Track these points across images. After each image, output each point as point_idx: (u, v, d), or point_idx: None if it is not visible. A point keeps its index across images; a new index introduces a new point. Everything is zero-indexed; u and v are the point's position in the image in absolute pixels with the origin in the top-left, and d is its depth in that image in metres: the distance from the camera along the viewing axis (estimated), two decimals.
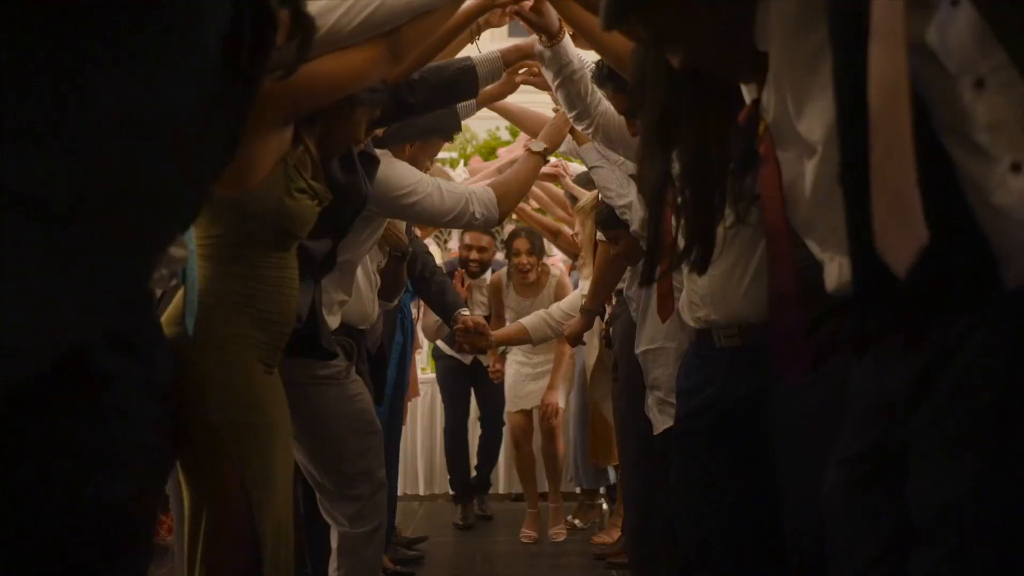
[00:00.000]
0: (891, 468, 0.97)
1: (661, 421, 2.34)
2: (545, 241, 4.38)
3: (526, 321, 3.44)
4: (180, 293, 1.60)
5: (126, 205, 0.91)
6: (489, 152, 6.62)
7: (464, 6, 1.87)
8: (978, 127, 0.80)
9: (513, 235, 4.29)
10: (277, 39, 1.12)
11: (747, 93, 1.32)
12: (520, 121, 3.06)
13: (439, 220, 2.36)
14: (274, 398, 1.68)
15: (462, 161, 4.77)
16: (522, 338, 3.45)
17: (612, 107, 2.15)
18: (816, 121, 1.11)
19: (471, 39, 2.26)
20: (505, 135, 9.98)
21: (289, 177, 1.64)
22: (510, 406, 4.43)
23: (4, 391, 0.84)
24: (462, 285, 4.35)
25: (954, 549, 0.86)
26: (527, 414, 4.40)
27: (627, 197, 2.43)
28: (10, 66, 0.84)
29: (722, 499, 1.66)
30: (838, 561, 1.13)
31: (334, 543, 2.17)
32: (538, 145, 2.50)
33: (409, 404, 4.53)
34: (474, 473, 4.90)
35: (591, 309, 3.11)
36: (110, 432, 0.96)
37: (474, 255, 4.33)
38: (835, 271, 1.15)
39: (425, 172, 2.51)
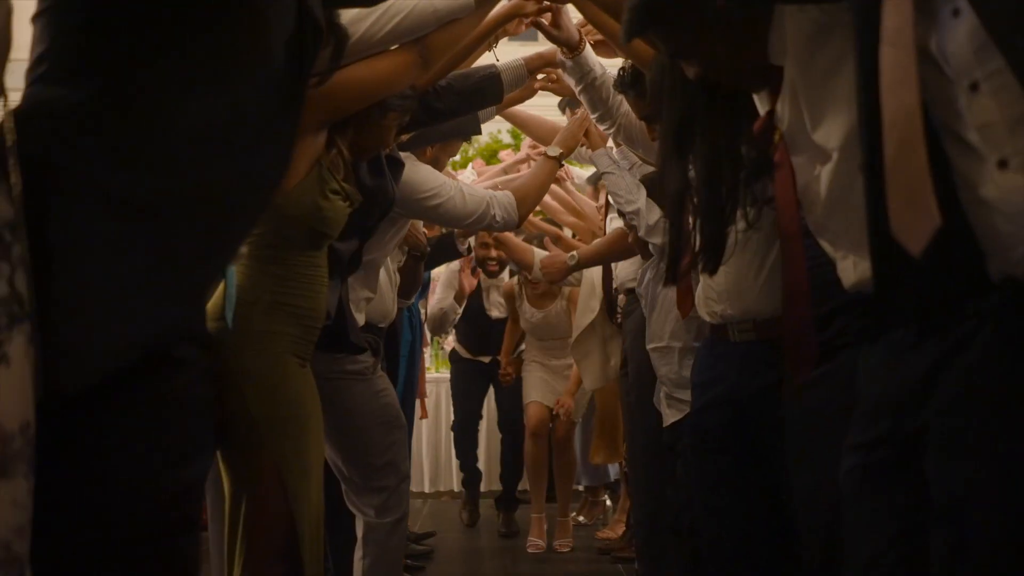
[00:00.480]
0: (906, 452, 1.02)
1: (669, 415, 2.41)
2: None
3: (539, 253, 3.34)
4: (220, 289, 1.68)
5: (201, 205, 0.99)
6: (491, 155, 6.70)
7: (490, 15, 1.95)
8: (970, 126, 0.88)
9: None
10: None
11: (760, 103, 1.40)
12: (525, 126, 3.12)
13: (462, 222, 2.44)
14: (307, 391, 1.75)
15: (469, 165, 4.78)
16: (525, 258, 3.33)
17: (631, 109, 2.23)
18: (833, 130, 1.18)
19: (489, 47, 2.34)
20: (507, 138, 10.07)
21: (323, 179, 1.72)
22: (527, 397, 4.18)
23: (78, 384, 0.91)
24: (473, 273, 4.19)
25: (963, 539, 0.91)
26: (546, 409, 4.17)
27: (635, 204, 2.50)
28: (106, 86, 0.93)
29: (734, 492, 1.70)
30: (855, 542, 1.19)
31: (359, 533, 2.25)
32: (554, 150, 2.56)
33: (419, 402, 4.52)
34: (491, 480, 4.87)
35: (576, 266, 3.11)
36: (176, 419, 1.03)
37: (492, 253, 4.05)
38: (849, 268, 1.23)
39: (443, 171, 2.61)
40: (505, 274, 4.34)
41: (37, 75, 0.94)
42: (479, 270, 4.19)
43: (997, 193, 0.87)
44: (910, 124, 0.87)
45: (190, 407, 1.05)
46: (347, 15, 1.62)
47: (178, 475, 1.02)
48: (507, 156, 4.77)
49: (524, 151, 3.88)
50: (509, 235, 3.43)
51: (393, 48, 1.78)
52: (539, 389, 4.17)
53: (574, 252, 3.12)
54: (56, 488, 0.88)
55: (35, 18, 0.96)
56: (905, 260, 0.89)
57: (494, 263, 4.12)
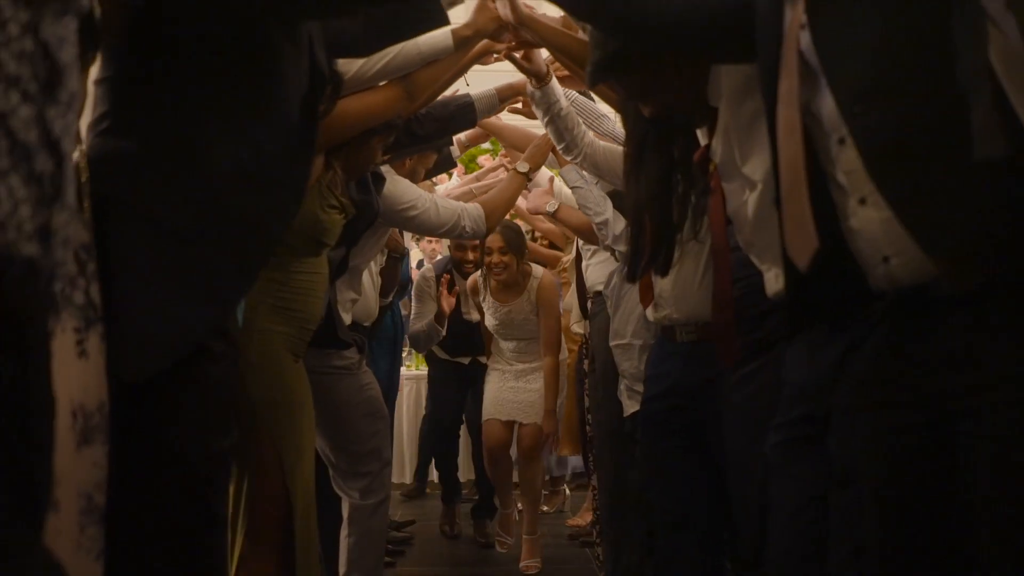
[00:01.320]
0: (818, 430, 1.27)
1: (629, 406, 2.63)
2: None
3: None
4: None
5: (232, 231, 1.21)
6: (470, 160, 6.86)
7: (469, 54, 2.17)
8: (840, 171, 1.11)
9: None
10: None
11: (700, 137, 1.63)
12: (501, 134, 3.30)
13: (436, 232, 2.65)
14: (300, 382, 1.97)
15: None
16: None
17: (596, 140, 2.43)
18: (757, 164, 1.42)
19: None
20: (485, 144, 10.22)
21: (323, 195, 1.95)
22: (486, 414, 3.93)
23: (141, 376, 1.13)
24: (448, 291, 3.95)
25: (850, 501, 1.14)
26: (506, 426, 3.90)
27: (603, 215, 2.71)
28: (156, 139, 1.15)
29: (678, 470, 1.93)
30: (779, 502, 1.43)
31: (345, 513, 2.46)
32: (523, 166, 2.77)
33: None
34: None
35: (553, 214, 3.21)
36: (214, 401, 1.25)
37: (469, 255, 4.01)
38: (772, 279, 1.46)
39: (420, 181, 2.81)
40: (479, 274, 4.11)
41: (101, 129, 1.16)
42: (456, 288, 4.07)
43: (859, 224, 1.10)
44: (796, 168, 1.10)
45: (225, 391, 1.27)
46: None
47: (216, 444, 1.25)
48: (486, 160, 4.94)
49: (499, 159, 4.08)
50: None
51: (382, 84, 2.00)
52: (497, 406, 3.92)
53: (556, 201, 3.19)
54: (125, 455, 1.10)
55: (98, 83, 1.18)
56: (810, 274, 1.12)
57: (470, 265, 4.05)
